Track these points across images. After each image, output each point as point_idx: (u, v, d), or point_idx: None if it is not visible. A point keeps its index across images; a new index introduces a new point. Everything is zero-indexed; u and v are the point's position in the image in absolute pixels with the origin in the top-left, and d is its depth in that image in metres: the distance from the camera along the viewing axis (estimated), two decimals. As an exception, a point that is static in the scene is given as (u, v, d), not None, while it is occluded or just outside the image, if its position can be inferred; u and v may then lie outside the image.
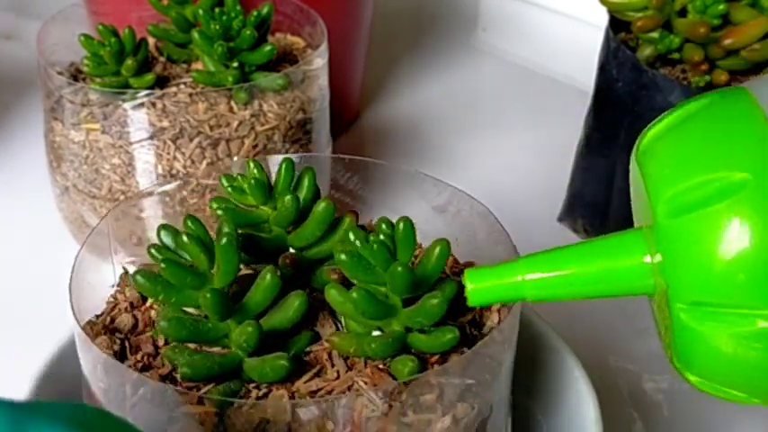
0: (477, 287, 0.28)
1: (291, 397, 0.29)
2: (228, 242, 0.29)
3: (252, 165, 0.34)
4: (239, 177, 0.34)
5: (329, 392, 0.29)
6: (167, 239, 0.32)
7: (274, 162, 0.35)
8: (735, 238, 0.24)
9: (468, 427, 0.29)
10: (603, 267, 0.27)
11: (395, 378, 0.29)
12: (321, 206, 0.32)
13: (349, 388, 0.29)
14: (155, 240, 0.36)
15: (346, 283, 0.30)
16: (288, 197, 0.32)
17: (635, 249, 0.27)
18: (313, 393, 0.29)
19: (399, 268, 0.29)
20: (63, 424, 0.20)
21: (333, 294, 0.30)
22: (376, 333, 0.30)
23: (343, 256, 0.29)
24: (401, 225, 0.30)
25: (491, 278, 0.28)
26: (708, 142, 0.26)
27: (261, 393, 0.29)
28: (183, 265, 0.30)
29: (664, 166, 0.26)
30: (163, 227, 0.32)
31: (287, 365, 0.28)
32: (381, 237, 0.30)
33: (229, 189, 0.34)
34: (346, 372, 0.30)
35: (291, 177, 0.34)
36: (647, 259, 0.27)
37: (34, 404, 0.20)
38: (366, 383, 0.29)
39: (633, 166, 0.28)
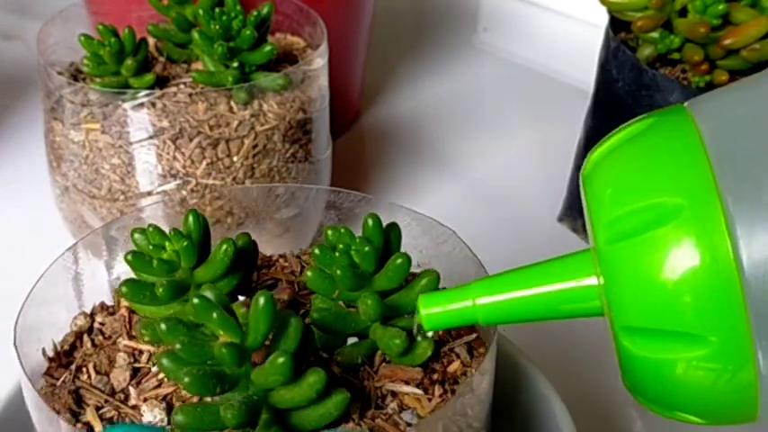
0: (430, 313, 0.29)
1: None
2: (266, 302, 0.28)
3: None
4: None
5: None
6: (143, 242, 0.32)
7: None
8: (673, 264, 0.24)
9: None
10: (553, 289, 0.27)
11: None
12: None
13: None
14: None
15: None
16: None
17: (582, 271, 0.27)
18: None
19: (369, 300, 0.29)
20: None
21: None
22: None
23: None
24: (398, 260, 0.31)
25: (444, 303, 0.29)
26: (645, 167, 0.25)
27: None
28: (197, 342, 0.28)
29: (603, 190, 0.26)
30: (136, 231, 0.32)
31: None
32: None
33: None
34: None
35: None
36: (594, 281, 0.27)
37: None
38: None
39: (581, 186, 0.28)
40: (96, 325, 0.33)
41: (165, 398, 0.30)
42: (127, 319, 0.33)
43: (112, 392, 0.31)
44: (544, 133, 0.69)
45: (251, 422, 0.27)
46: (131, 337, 0.33)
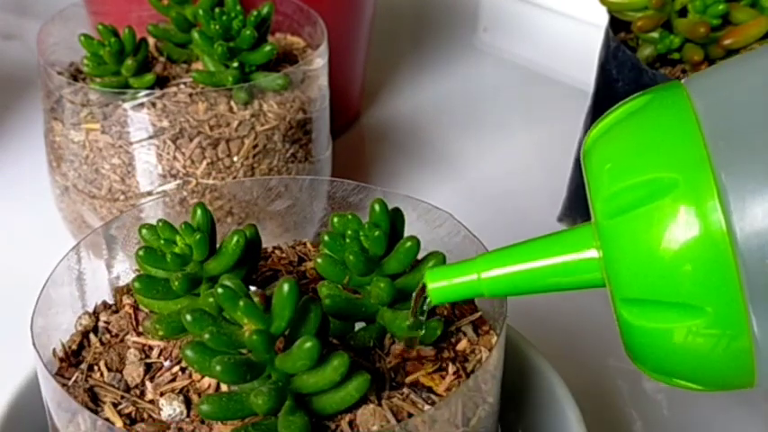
0: (437, 286, 0.29)
1: None
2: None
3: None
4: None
5: None
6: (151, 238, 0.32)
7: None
8: (668, 237, 0.25)
9: None
10: (555, 262, 0.28)
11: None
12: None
13: None
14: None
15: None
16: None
17: (584, 244, 0.28)
18: None
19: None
20: None
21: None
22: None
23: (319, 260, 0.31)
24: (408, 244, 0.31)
25: (450, 276, 0.29)
26: (641, 143, 0.26)
27: None
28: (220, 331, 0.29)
29: (601, 166, 0.27)
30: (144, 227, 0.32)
31: None
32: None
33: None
34: None
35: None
36: (595, 254, 0.27)
37: None
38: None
39: (581, 161, 0.28)
40: (101, 324, 0.34)
41: (181, 391, 0.30)
42: (133, 316, 0.33)
43: (127, 389, 0.31)
44: (544, 133, 0.69)
45: (276, 408, 0.27)
46: (139, 334, 0.33)
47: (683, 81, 0.27)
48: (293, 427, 0.27)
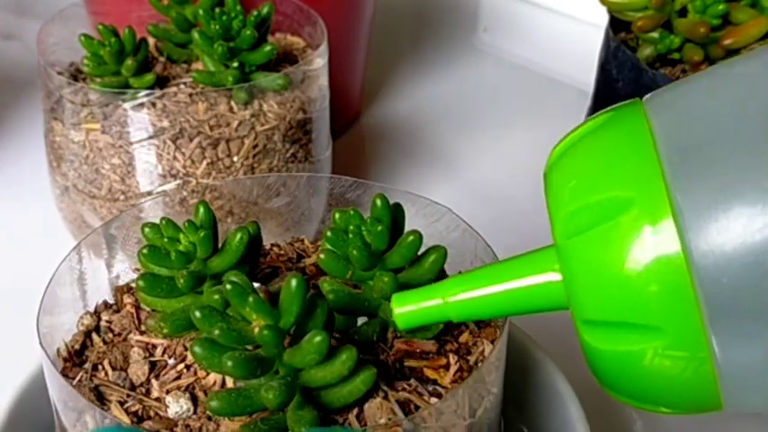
0: (403, 311, 0.29)
1: None
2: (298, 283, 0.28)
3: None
4: None
5: None
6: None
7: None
8: (624, 256, 0.24)
9: None
10: (518, 285, 0.28)
11: None
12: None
13: None
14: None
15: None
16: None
17: (546, 267, 0.27)
18: None
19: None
20: None
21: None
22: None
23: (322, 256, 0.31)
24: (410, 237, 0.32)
25: (416, 301, 0.29)
26: (597, 162, 0.26)
27: None
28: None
29: (559, 186, 0.27)
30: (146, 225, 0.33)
31: None
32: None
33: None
34: None
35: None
36: (557, 276, 0.27)
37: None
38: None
39: (543, 182, 0.28)
40: (103, 323, 0.34)
41: (187, 388, 0.30)
42: (135, 315, 0.34)
43: (133, 387, 0.31)
44: (544, 133, 0.69)
45: (286, 403, 0.27)
46: (142, 332, 0.33)
47: (644, 98, 0.27)
48: (303, 422, 0.28)
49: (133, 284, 0.35)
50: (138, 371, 0.31)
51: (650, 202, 0.24)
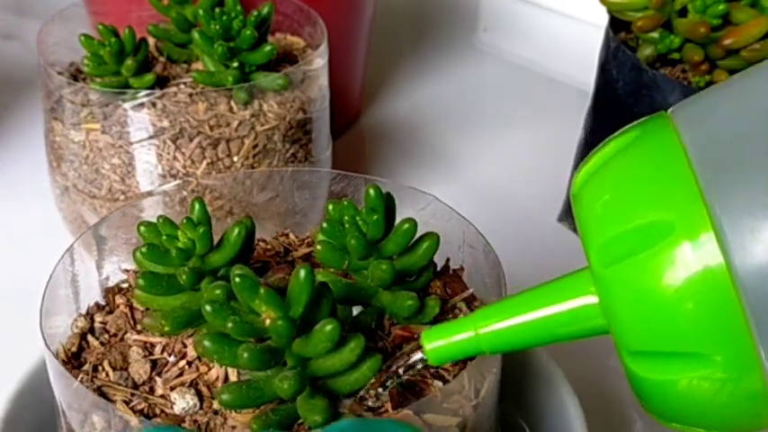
0: (434, 346, 0.28)
1: None
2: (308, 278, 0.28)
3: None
4: None
5: None
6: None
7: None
8: (667, 283, 0.23)
9: None
10: (554, 312, 0.27)
11: None
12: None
13: None
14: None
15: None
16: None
17: (582, 290, 0.26)
18: None
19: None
20: None
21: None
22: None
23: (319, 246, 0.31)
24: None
25: (447, 335, 0.28)
26: (631, 185, 0.25)
27: None
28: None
29: (591, 212, 0.26)
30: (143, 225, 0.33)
31: None
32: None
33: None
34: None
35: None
36: (595, 299, 0.26)
37: None
38: None
39: (572, 204, 0.27)
40: (97, 325, 0.34)
41: (191, 384, 0.30)
42: (130, 315, 0.34)
43: (135, 386, 0.31)
44: (544, 133, 0.69)
45: (298, 393, 0.28)
46: (139, 332, 0.33)
47: (669, 111, 0.26)
48: (316, 410, 0.28)
49: (124, 285, 0.35)
50: (139, 369, 0.31)
51: (691, 225, 0.23)
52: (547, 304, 0.27)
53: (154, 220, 0.33)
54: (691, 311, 0.23)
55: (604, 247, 0.25)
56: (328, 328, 0.27)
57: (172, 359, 0.31)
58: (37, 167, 0.57)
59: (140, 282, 0.32)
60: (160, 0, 0.52)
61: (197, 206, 0.33)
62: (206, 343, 0.28)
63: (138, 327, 0.33)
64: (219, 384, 0.30)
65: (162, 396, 0.30)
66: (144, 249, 0.32)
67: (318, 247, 0.32)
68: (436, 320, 0.32)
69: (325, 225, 0.32)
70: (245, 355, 0.27)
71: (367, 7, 0.66)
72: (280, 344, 0.28)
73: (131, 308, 0.34)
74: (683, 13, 0.49)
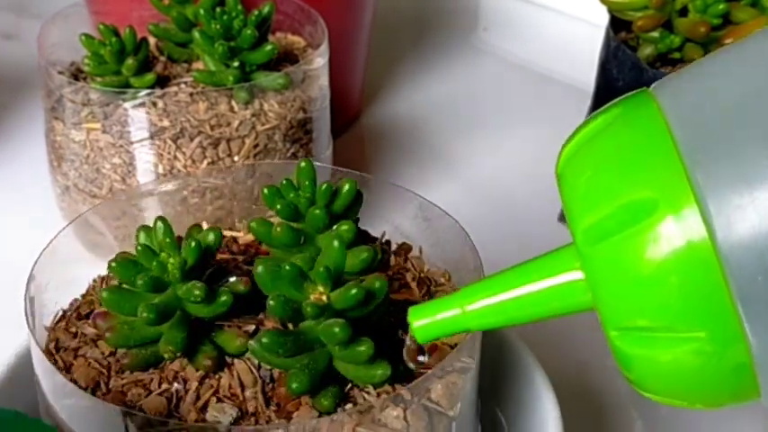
0: (421, 324, 0.28)
1: None
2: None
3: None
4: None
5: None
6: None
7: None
8: (652, 260, 0.24)
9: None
10: (539, 288, 0.27)
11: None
12: None
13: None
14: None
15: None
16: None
17: (567, 266, 0.27)
18: None
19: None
20: None
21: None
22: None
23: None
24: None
25: (433, 313, 0.28)
26: (615, 163, 0.25)
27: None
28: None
29: (575, 190, 0.26)
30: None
31: None
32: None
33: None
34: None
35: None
36: (580, 275, 0.26)
37: None
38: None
39: (556, 182, 0.27)
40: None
41: (217, 400, 0.30)
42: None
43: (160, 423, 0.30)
44: (544, 133, 0.69)
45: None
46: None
47: (652, 87, 0.26)
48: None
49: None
50: (158, 406, 0.30)
51: (675, 201, 0.23)
52: (532, 280, 0.27)
53: (153, 219, 0.33)
54: (675, 286, 0.23)
55: (590, 226, 0.25)
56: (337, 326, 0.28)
57: (176, 386, 0.31)
58: (37, 167, 0.57)
59: (104, 328, 0.31)
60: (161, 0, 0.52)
61: (159, 224, 0.32)
62: (258, 343, 0.28)
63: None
64: (236, 388, 0.30)
65: (199, 420, 0.30)
66: (106, 293, 0.31)
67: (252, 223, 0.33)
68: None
69: (279, 207, 0.33)
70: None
71: (367, 7, 0.66)
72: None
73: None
74: (683, 12, 0.49)
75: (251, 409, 0.30)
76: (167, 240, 0.32)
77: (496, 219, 0.60)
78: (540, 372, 0.37)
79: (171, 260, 0.31)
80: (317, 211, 0.32)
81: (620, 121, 0.26)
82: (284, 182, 0.33)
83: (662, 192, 0.24)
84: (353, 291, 0.29)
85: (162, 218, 0.32)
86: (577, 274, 0.26)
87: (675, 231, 0.23)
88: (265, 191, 0.33)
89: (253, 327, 0.32)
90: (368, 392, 0.30)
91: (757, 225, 0.22)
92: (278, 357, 0.29)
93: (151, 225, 0.33)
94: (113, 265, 0.31)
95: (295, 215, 0.33)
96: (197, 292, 0.30)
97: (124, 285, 0.31)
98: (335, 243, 0.30)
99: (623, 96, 0.27)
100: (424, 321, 0.28)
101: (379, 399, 0.29)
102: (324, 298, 0.29)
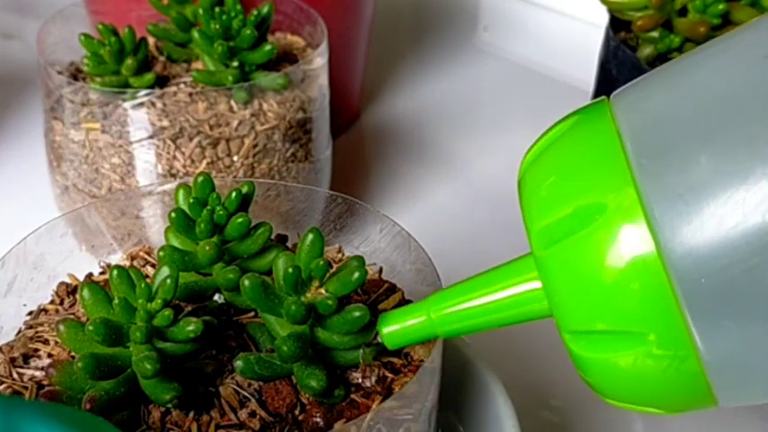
0: (390, 331, 0.29)
1: None
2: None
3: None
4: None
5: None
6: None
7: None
8: (600, 263, 0.24)
9: None
10: (501, 296, 0.28)
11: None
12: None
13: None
14: (154, 240, 0.36)
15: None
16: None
17: (525, 275, 0.27)
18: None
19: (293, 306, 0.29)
20: (56, 422, 0.19)
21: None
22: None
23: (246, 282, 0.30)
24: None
25: (401, 320, 0.29)
26: (568, 169, 0.26)
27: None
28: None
29: (532, 195, 0.26)
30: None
31: None
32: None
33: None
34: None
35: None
36: (538, 284, 0.27)
37: (26, 401, 0.20)
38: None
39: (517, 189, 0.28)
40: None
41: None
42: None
43: None
44: (544, 133, 0.69)
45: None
46: None
47: (612, 95, 0.27)
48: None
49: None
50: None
51: (622, 207, 0.24)
52: (493, 289, 0.28)
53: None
54: (622, 290, 0.24)
55: (543, 230, 0.25)
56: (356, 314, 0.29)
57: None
58: (36, 167, 0.57)
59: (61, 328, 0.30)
60: (160, -1, 0.52)
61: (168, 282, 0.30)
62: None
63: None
64: (230, 414, 0.30)
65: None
66: (91, 327, 0.29)
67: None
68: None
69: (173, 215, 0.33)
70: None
71: (367, 7, 0.66)
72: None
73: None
74: (682, 12, 0.49)
75: (258, 425, 0.29)
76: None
77: (496, 218, 0.60)
78: (500, 386, 0.37)
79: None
80: (240, 219, 0.33)
81: (575, 130, 0.26)
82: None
83: (610, 197, 0.24)
84: (356, 274, 0.29)
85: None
86: (536, 284, 0.27)
87: (622, 236, 0.24)
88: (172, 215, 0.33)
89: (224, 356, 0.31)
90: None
91: (704, 235, 0.23)
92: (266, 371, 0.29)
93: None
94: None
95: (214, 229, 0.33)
96: (190, 328, 0.29)
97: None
98: (310, 236, 0.30)
99: (582, 105, 0.27)
100: (392, 328, 0.29)
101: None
102: (323, 291, 0.29)
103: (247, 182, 0.34)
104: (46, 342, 0.32)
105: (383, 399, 0.30)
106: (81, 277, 0.36)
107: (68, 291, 0.35)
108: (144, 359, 0.28)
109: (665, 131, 0.24)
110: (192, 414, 0.29)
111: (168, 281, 0.29)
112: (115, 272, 0.30)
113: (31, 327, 0.33)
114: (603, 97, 0.27)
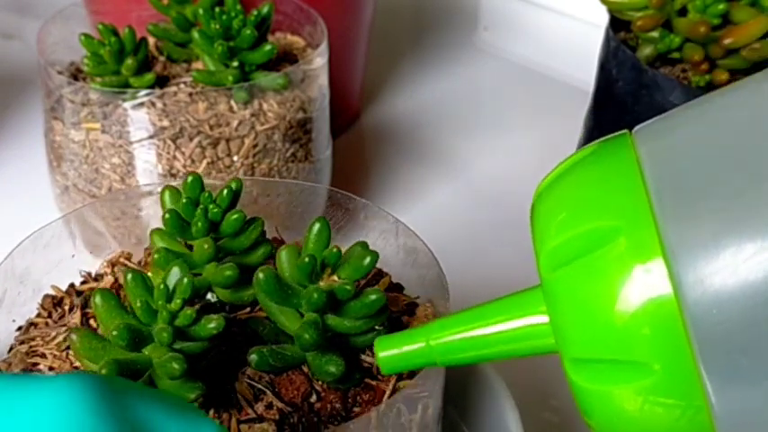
0: (387, 355, 0.28)
1: None
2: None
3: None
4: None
5: None
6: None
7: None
8: (609, 287, 0.23)
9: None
10: (505, 328, 0.27)
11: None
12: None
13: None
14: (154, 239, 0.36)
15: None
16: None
17: (533, 308, 0.26)
18: None
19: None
20: (166, 407, 0.20)
21: None
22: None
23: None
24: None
25: (399, 344, 0.28)
26: (583, 194, 0.25)
27: None
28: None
29: (544, 219, 0.26)
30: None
31: None
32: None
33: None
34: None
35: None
36: (545, 319, 0.26)
37: (136, 384, 0.21)
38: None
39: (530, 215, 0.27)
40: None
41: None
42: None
43: None
44: (544, 133, 0.69)
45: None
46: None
47: (634, 129, 0.26)
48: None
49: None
50: None
51: (638, 233, 0.23)
52: (498, 321, 0.27)
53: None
54: (633, 324, 0.23)
55: (552, 251, 0.25)
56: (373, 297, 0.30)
57: None
58: (36, 167, 0.57)
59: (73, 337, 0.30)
60: (160, 0, 0.52)
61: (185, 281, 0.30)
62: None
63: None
64: (247, 408, 0.30)
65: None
66: (115, 332, 0.29)
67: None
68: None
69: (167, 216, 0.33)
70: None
71: (367, 7, 0.66)
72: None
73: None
74: (682, 12, 0.49)
75: (277, 416, 0.29)
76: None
77: (495, 218, 0.60)
78: (505, 388, 0.37)
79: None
80: (236, 216, 0.33)
81: (594, 157, 0.26)
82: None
83: (625, 222, 0.23)
84: (368, 258, 0.30)
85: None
86: (542, 318, 0.26)
87: (636, 267, 0.23)
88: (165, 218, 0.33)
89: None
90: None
91: (725, 278, 0.22)
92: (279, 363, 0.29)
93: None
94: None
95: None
96: (212, 325, 0.29)
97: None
98: (317, 225, 0.30)
99: (605, 137, 0.27)
100: (390, 352, 0.28)
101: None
102: (335, 278, 0.30)
103: (235, 179, 0.34)
104: (43, 356, 0.32)
105: (397, 380, 0.30)
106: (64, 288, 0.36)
107: (54, 303, 0.35)
108: (170, 359, 0.28)
109: (687, 166, 0.23)
110: (211, 412, 0.29)
111: (185, 280, 0.29)
112: (130, 276, 0.30)
113: (23, 342, 0.33)
114: (625, 130, 0.26)
